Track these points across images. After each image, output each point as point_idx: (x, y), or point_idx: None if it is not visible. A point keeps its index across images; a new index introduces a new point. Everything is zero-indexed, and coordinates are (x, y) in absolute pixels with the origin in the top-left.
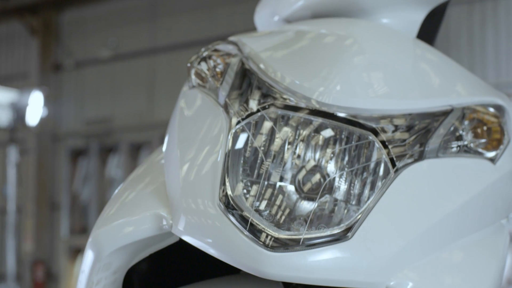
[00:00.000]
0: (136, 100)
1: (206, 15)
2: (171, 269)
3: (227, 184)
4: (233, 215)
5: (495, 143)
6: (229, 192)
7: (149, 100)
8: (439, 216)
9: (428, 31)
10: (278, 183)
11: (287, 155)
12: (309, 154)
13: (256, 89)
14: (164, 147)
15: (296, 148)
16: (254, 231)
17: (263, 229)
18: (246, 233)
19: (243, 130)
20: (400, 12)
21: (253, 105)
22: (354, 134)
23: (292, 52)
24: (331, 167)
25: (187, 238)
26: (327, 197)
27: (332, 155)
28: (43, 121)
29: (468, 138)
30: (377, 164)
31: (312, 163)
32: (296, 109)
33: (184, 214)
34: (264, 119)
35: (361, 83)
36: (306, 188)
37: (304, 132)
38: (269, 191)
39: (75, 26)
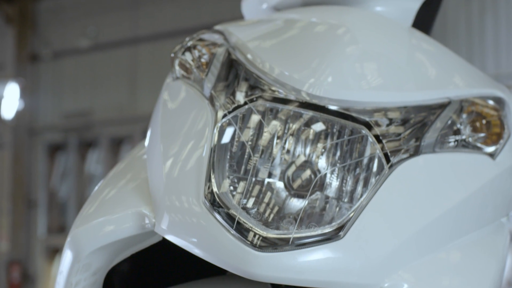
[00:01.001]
0: (117, 92)
1: (190, 2)
2: (154, 270)
3: (213, 180)
4: (219, 213)
5: (495, 137)
6: (215, 189)
7: (130, 92)
8: (435, 214)
9: (424, 20)
10: (267, 180)
11: (276, 150)
12: (299, 149)
13: (243, 80)
14: (146, 142)
15: (285, 143)
16: (241, 230)
17: (250, 228)
18: (233, 232)
19: (229, 124)
20: (395, 0)
21: (240, 97)
22: (346, 128)
23: (281, 41)
24: (322, 163)
25: (170, 238)
26: (318, 194)
27: (323, 150)
28: (19, 114)
29: (466, 132)
30: (371, 159)
31: (302, 158)
32: (285, 101)
33: (168, 212)
34: (252, 112)
35: (354, 75)
36: (296, 184)
37: (294, 126)
38: (257, 188)
39: (53, 14)
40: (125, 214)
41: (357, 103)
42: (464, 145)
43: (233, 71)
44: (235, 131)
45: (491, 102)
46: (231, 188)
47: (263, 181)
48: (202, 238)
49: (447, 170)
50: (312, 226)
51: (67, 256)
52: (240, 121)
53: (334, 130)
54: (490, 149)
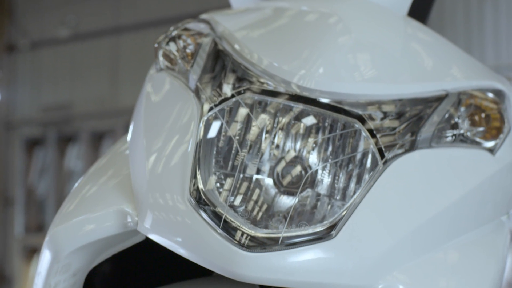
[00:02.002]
0: (98, 84)
1: None
2: (137, 271)
3: (198, 177)
4: (205, 211)
5: (494, 131)
6: (201, 186)
7: (112, 85)
8: (432, 213)
9: (421, 8)
10: (255, 176)
11: (265, 145)
12: (289, 144)
13: (230, 72)
14: (129, 136)
15: (274, 138)
16: (228, 229)
17: (238, 227)
18: (220, 231)
19: (216, 118)
20: None
21: (227, 89)
22: (338, 121)
23: (270, 31)
24: (313, 158)
25: (154, 237)
26: (308, 192)
27: (314, 145)
28: None
29: (464, 126)
30: (364, 155)
31: (292, 154)
32: (274, 94)
33: (151, 210)
34: (239, 105)
35: (347, 66)
36: (285, 181)
37: (284, 120)
38: (245, 184)
39: (31, 3)
40: (107, 212)
41: (350, 95)
42: (462, 139)
43: (219, 62)
44: (222, 125)
45: (490, 95)
46: (218, 185)
47: (251, 178)
48: (187, 237)
49: (445, 166)
50: (302, 225)
51: (45, 256)
52: (227, 115)
53: (326, 124)
54: (490, 144)
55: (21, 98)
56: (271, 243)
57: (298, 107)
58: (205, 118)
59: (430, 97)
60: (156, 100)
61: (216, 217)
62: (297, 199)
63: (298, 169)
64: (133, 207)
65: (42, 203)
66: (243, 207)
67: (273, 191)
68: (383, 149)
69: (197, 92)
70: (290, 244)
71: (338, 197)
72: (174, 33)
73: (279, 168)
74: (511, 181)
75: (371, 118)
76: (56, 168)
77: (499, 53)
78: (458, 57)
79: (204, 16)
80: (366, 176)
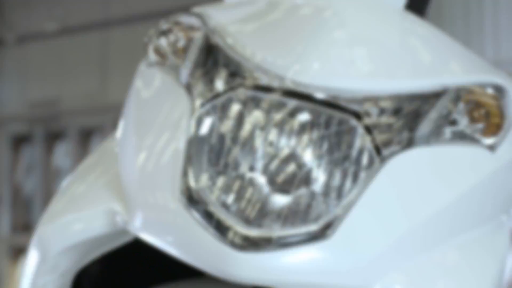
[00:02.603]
0: (86, 79)
1: None
2: (127, 272)
3: (190, 175)
4: (196, 210)
5: (494, 128)
6: (192, 184)
7: (101, 80)
8: (430, 212)
9: (419, 2)
10: (248, 174)
11: (258, 142)
12: (283, 141)
13: (222, 67)
14: (118, 133)
15: (268, 134)
16: (220, 229)
17: (230, 226)
18: (211, 230)
19: (208, 114)
20: None
21: (220, 85)
22: (334, 118)
23: (264, 25)
24: (307, 156)
25: (144, 236)
26: (303, 190)
27: (309, 142)
28: None
29: (463, 122)
30: (360, 152)
31: (286, 151)
32: (268, 89)
33: (141, 209)
34: (232, 101)
35: (342, 60)
36: (279, 179)
37: (277, 116)
38: (238, 183)
39: None
40: (96, 211)
41: (345, 91)
42: (461, 137)
43: (212, 57)
44: (214, 121)
45: (490, 90)
46: (210, 183)
47: (244, 176)
48: (178, 237)
49: (443, 164)
50: (297, 224)
51: (32, 256)
52: (219, 111)
53: (321, 120)
54: (489, 141)
55: (7, 93)
56: (265, 243)
57: (292, 103)
58: (196, 114)
59: (428, 93)
60: (146, 96)
61: (208, 216)
62: (291, 198)
63: (292, 167)
64: (123, 206)
65: (29, 202)
66: (236, 206)
67: (266, 189)
68: (380, 146)
69: (188, 88)
70: (284, 244)
71: (333, 196)
72: (165, 27)
73: (272, 166)
74: (511, 179)
75: (368, 114)
76: (43, 165)
77: (499, 48)
78: (457, 52)
79: (196, 9)
80: (363, 174)
